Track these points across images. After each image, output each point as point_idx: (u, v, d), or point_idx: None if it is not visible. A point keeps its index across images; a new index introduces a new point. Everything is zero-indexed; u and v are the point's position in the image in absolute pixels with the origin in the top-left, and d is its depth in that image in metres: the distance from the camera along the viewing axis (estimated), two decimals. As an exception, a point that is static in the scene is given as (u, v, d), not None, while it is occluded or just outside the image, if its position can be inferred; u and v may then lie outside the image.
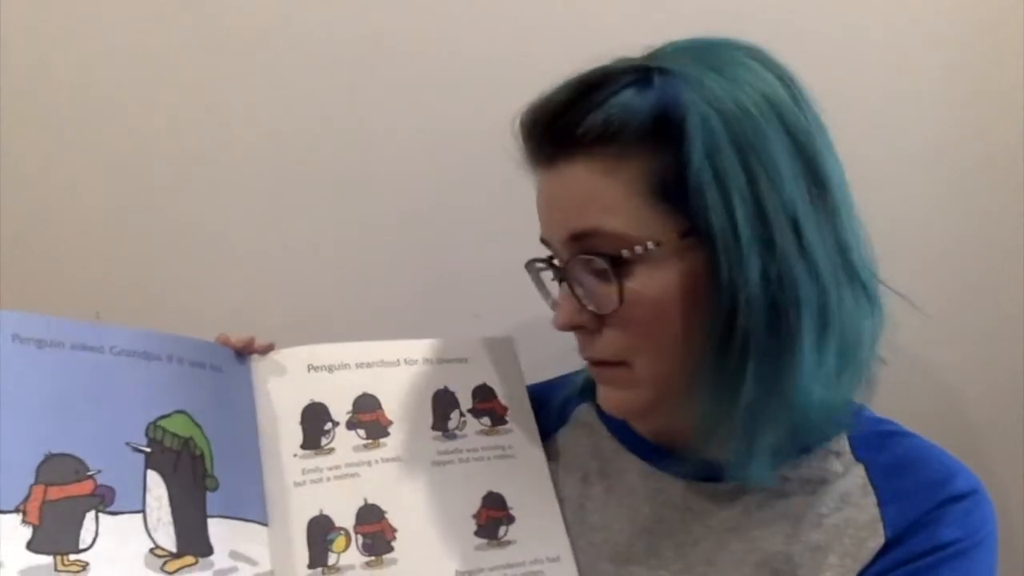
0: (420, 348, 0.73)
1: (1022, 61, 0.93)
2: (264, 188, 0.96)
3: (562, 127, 0.58)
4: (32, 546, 0.52)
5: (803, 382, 0.57)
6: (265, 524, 0.63)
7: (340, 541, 0.63)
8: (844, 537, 0.60)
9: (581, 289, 0.61)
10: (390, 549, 0.64)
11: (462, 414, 0.72)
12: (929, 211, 0.96)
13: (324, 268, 0.98)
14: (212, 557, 0.59)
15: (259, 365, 0.68)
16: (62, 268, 0.96)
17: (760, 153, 0.55)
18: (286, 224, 0.97)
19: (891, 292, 0.63)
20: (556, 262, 0.63)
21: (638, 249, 0.57)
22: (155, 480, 0.59)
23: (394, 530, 0.65)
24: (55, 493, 0.54)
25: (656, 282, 0.58)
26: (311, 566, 0.62)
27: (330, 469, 0.66)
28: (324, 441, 0.67)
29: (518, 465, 0.71)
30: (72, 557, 0.53)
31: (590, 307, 0.60)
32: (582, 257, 0.59)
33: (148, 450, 0.59)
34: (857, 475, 0.62)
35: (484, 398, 0.73)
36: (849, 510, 0.61)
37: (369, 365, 0.71)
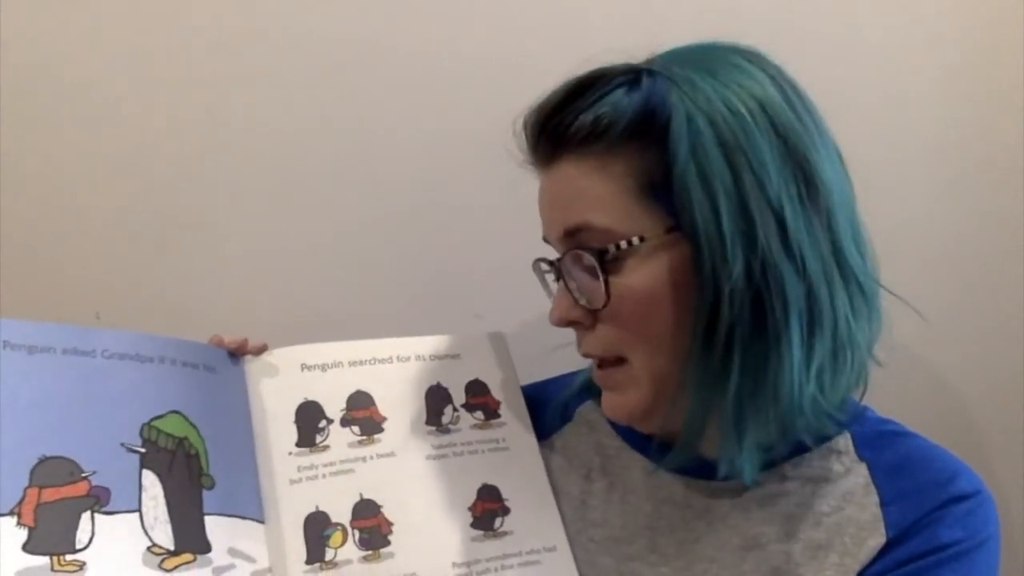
0: (412, 345, 0.74)
1: (1022, 61, 0.92)
2: (264, 188, 0.96)
3: (556, 127, 0.60)
4: (28, 548, 0.53)
5: (790, 377, 0.57)
6: (262, 521, 0.63)
7: (337, 536, 0.64)
8: (845, 536, 0.60)
9: (574, 285, 0.62)
10: (387, 543, 0.64)
11: (455, 409, 0.72)
12: (929, 211, 0.96)
13: (325, 268, 0.98)
14: (210, 554, 0.59)
15: (252, 366, 0.69)
16: (62, 268, 0.96)
17: (746, 152, 0.56)
18: (286, 224, 0.97)
19: (891, 283, 0.63)
20: (555, 260, 0.65)
21: (623, 244, 0.58)
22: (150, 480, 0.59)
23: (390, 524, 0.65)
24: (50, 495, 0.54)
25: (643, 277, 0.59)
26: (309, 562, 0.62)
27: (325, 466, 0.66)
28: (319, 439, 0.67)
29: (512, 457, 0.71)
30: (69, 557, 0.54)
31: (583, 302, 0.61)
32: (573, 252, 0.61)
33: (142, 450, 0.59)
34: (859, 474, 0.62)
35: (477, 393, 0.73)
36: (851, 509, 0.61)
37: (362, 363, 0.71)
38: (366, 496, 0.66)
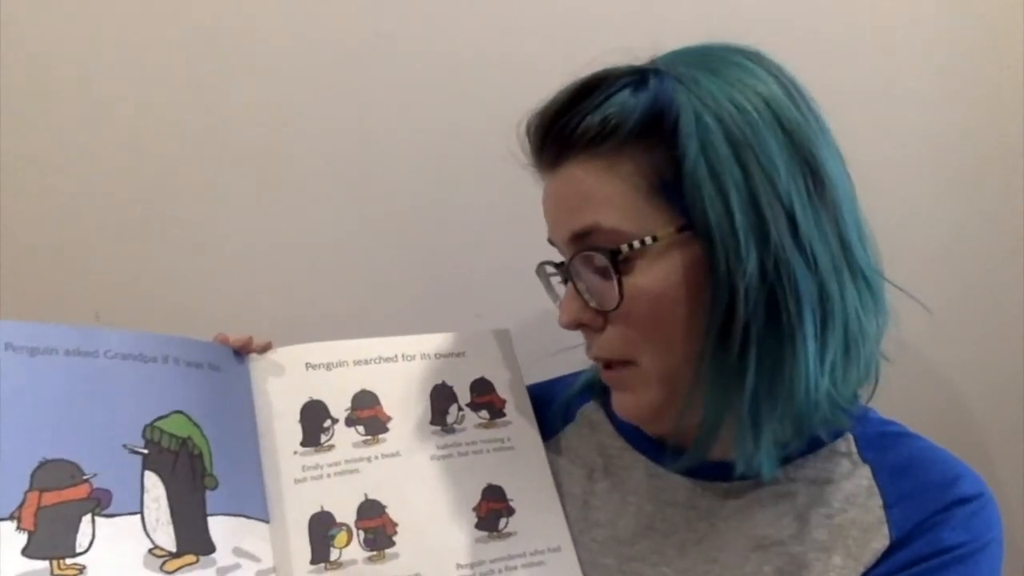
0: (417, 343, 0.73)
1: (1022, 61, 0.93)
2: (264, 188, 0.96)
3: (561, 129, 0.60)
4: (28, 552, 0.52)
5: (806, 372, 0.57)
6: (266, 521, 0.63)
7: (342, 537, 0.63)
8: (848, 538, 0.59)
9: (584, 287, 0.62)
10: (391, 544, 0.64)
11: (460, 408, 0.71)
12: (929, 211, 0.96)
13: (325, 269, 0.98)
14: (215, 555, 0.59)
15: (257, 364, 0.68)
16: (62, 268, 0.96)
17: (754, 148, 0.56)
18: (286, 224, 0.97)
19: (895, 289, 0.63)
20: (562, 261, 0.64)
21: (636, 244, 0.58)
22: (153, 481, 0.59)
23: (395, 525, 0.65)
24: (50, 498, 0.54)
25: (655, 276, 0.58)
26: (313, 562, 0.62)
27: (330, 466, 0.66)
28: (323, 438, 0.67)
29: (517, 457, 0.71)
30: (69, 561, 0.53)
31: (593, 304, 0.61)
32: (583, 254, 0.60)
33: (145, 452, 0.59)
34: (863, 476, 0.62)
35: (482, 392, 0.73)
36: (854, 511, 0.60)
37: (367, 362, 0.71)
38: (371, 496, 0.65)
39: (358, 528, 0.64)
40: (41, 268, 0.95)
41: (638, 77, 0.58)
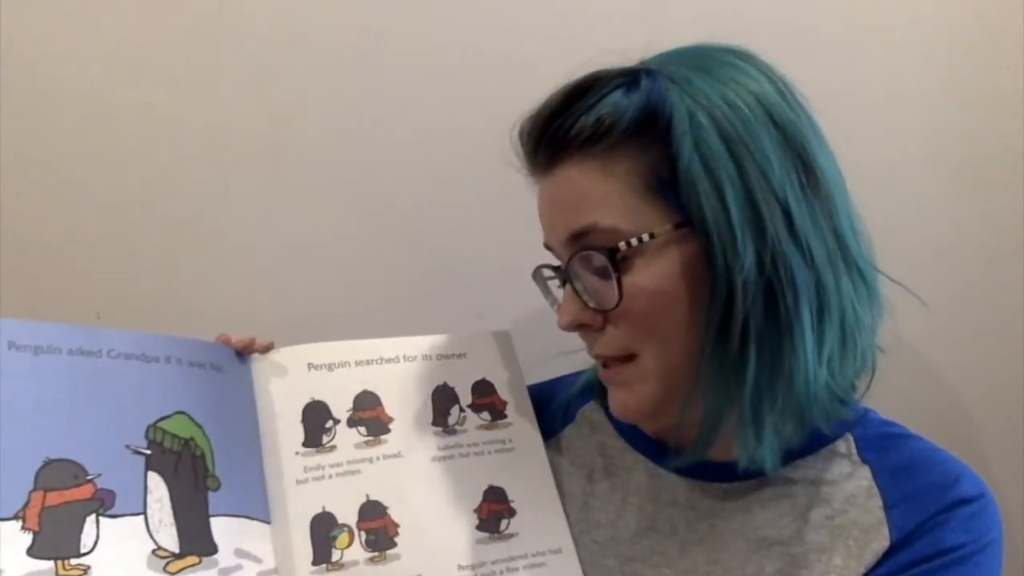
0: (419, 344, 0.73)
1: (1022, 61, 0.93)
2: (265, 188, 0.96)
3: (555, 131, 0.60)
4: (32, 552, 0.52)
5: (805, 364, 0.57)
6: (268, 522, 0.63)
7: (343, 538, 0.64)
8: (849, 539, 0.60)
9: (583, 287, 0.62)
10: (393, 545, 0.64)
11: (462, 409, 0.72)
12: (929, 210, 0.96)
13: (326, 269, 0.98)
14: (217, 556, 0.59)
15: (259, 365, 0.68)
16: (62, 268, 0.96)
17: (748, 144, 0.57)
18: (287, 224, 0.97)
19: (893, 286, 0.64)
20: (559, 265, 0.64)
21: (633, 242, 0.58)
22: (156, 482, 0.59)
23: (397, 526, 0.65)
24: (54, 498, 0.54)
25: (654, 274, 0.59)
26: (315, 563, 0.62)
27: (332, 466, 0.66)
28: (325, 439, 0.67)
29: (518, 458, 0.71)
30: (73, 562, 0.53)
31: (592, 304, 0.61)
32: (581, 254, 0.61)
33: (148, 452, 0.59)
34: (863, 477, 0.62)
35: (483, 393, 0.73)
36: (854, 512, 0.61)
37: (368, 363, 0.71)
38: (372, 497, 0.65)
39: (360, 529, 0.64)
40: (41, 268, 0.95)
41: (630, 78, 0.59)
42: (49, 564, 0.52)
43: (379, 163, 0.96)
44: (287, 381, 0.68)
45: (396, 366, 0.72)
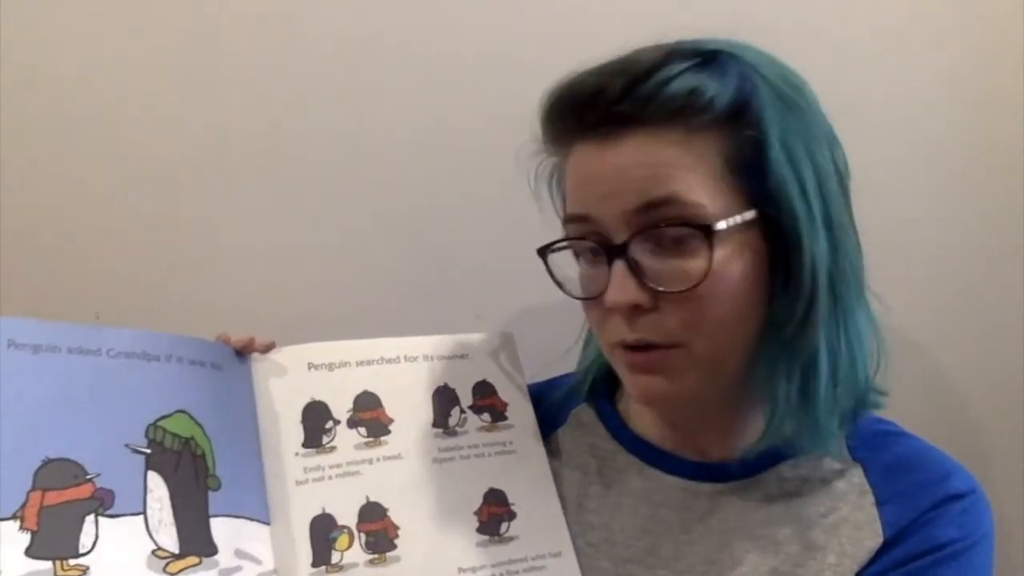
0: (420, 345, 0.73)
1: (1022, 61, 0.93)
2: (265, 188, 0.96)
3: (631, 105, 0.56)
4: (31, 552, 0.52)
5: (861, 360, 0.59)
6: (267, 523, 0.62)
7: (343, 539, 0.63)
8: (842, 537, 0.60)
9: (645, 266, 0.57)
10: (393, 547, 0.64)
11: (462, 411, 0.71)
12: (929, 211, 0.96)
13: (325, 268, 0.98)
14: (217, 556, 0.59)
15: (259, 364, 0.68)
16: (62, 268, 0.96)
17: (813, 143, 0.58)
18: (287, 224, 0.97)
19: (892, 287, 0.64)
20: (599, 240, 0.59)
21: (724, 223, 0.56)
22: (156, 481, 0.58)
23: (397, 528, 0.65)
24: (53, 498, 0.54)
25: (734, 260, 0.57)
26: (315, 565, 0.62)
27: (332, 467, 0.66)
28: (325, 439, 0.67)
29: (519, 461, 0.71)
30: (72, 562, 0.53)
31: (655, 284, 0.57)
32: (657, 230, 0.56)
33: (148, 451, 0.59)
34: (855, 475, 0.62)
35: (484, 394, 0.73)
36: (847, 510, 0.61)
37: (369, 363, 0.70)
38: (372, 499, 0.65)
39: (359, 531, 0.64)
40: (41, 268, 0.95)
41: (705, 58, 0.57)
42: (48, 564, 0.52)
43: (379, 163, 0.96)
44: (287, 381, 0.68)
45: (397, 367, 0.71)
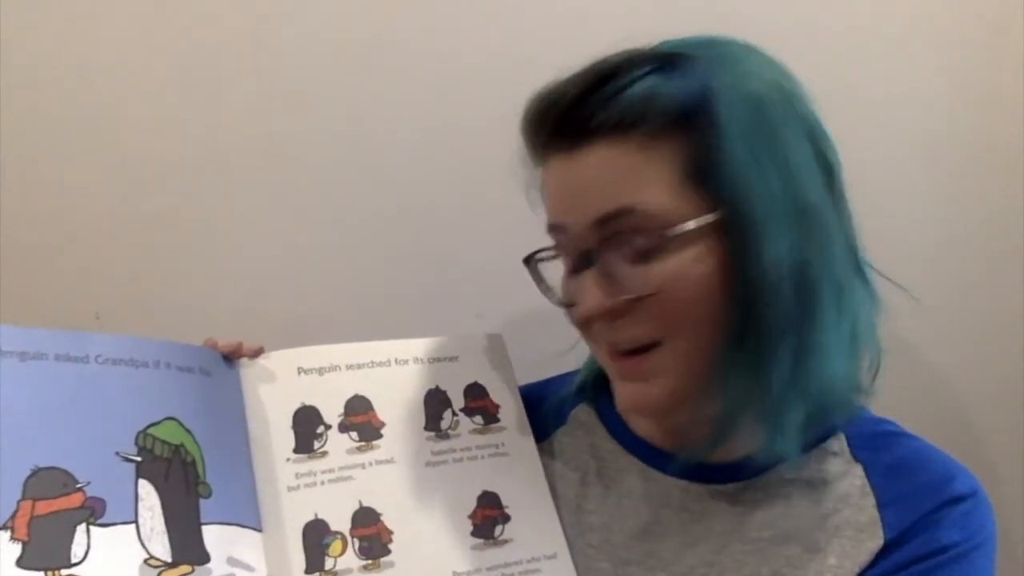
0: (410, 347, 0.73)
1: (1022, 61, 0.92)
2: (264, 189, 0.96)
3: (587, 113, 0.57)
4: (22, 563, 0.51)
5: (828, 362, 0.58)
6: (260, 530, 0.62)
7: (336, 545, 0.63)
8: (843, 538, 0.60)
9: (612, 272, 0.59)
10: (387, 552, 0.64)
11: (454, 413, 0.71)
12: (929, 210, 0.96)
13: (325, 269, 0.98)
14: (209, 564, 0.58)
15: (248, 370, 0.68)
16: (62, 269, 0.96)
17: (783, 139, 0.56)
18: (286, 225, 0.97)
19: (893, 287, 0.64)
20: (572, 249, 0.61)
21: (678, 229, 0.56)
22: (147, 489, 0.58)
23: (390, 532, 0.64)
24: (43, 508, 0.53)
25: (696, 263, 0.57)
26: (308, 571, 0.62)
27: (324, 473, 0.65)
28: (317, 444, 0.66)
29: (512, 463, 0.70)
30: (64, 572, 0.53)
31: (622, 291, 0.58)
32: (619, 238, 0.58)
33: (138, 459, 0.58)
34: (856, 476, 0.62)
35: (476, 396, 0.72)
36: (848, 511, 0.60)
37: (359, 366, 0.70)
38: (365, 504, 0.65)
39: (353, 536, 0.63)
40: (41, 268, 0.95)
41: (665, 61, 0.57)
42: (40, 575, 0.52)
43: (378, 163, 0.96)
44: (277, 386, 0.68)
45: (387, 370, 0.71)
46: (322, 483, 0.65)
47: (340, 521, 0.64)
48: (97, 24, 0.92)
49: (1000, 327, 0.95)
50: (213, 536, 0.60)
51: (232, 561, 0.60)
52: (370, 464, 0.67)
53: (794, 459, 0.60)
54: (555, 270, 0.65)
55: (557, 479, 0.71)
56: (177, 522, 0.58)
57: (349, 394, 0.69)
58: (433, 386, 0.71)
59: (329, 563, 0.62)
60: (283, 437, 0.66)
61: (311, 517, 0.63)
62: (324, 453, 0.66)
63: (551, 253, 0.65)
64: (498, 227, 0.93)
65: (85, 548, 0.54)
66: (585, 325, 0.63)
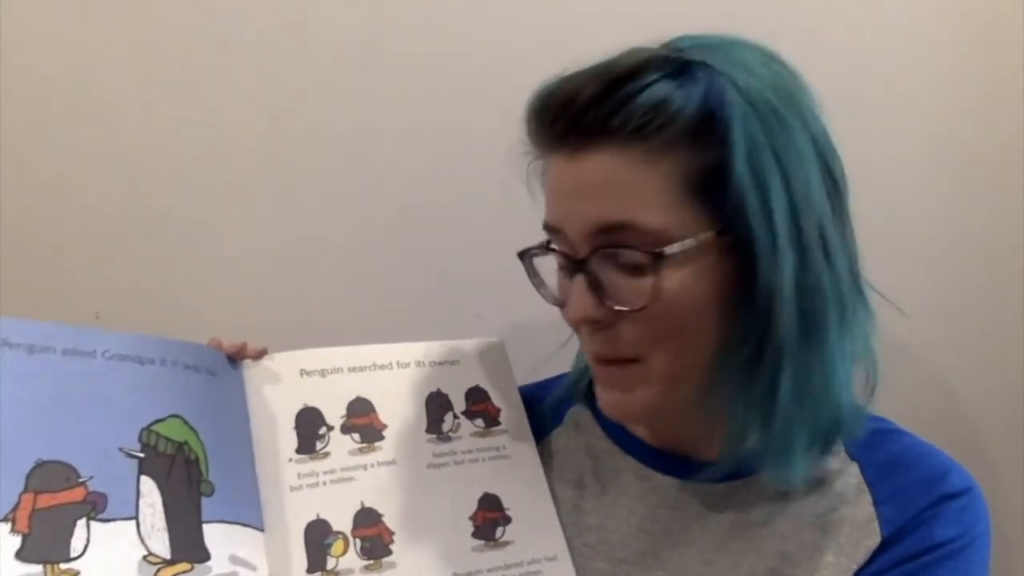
0: (412, 351, 0.73)
1: (1022, 61, 0.92)
2: (264, 189, 0.96)
3: (595, 117, 0.55)
4: (21, 555, 0.51)
5: (833, 384, 0.57)
6: (261, 529, 0.62)
7: (338, 545, 0.63)
8: (840, 536, 0.60)
9: (603, 283, 0.58)
10: (389, 552, 0.64)
11: (456, 416, 0.71)
12: (929, 210, 0.96)
13: (325, 269, 0.98)
14: (210, 562, 0.58)
15: (251, 371, 0.68)
16: (62, 269, 0.96)
17: (792, 156, 0.55)
18: (287, 225, 0.97)
19: (888, 281, 0.63)
20: (566, 252, 0.60)
21: (676, 247, 0.55)
22: (149, 486, 0.58)
23: (392, 533, 0.64)
24: (45, 501, 0.53)
25: (690, 281, 0.56)
26: (310, 571, 0.61)
27: (326, 473, 0.65)
28: (319, 445, 0.66)
29: (513, 466, 0.70)
30: (63, 566, 0.53)
31: (611, 302, 0.58)
32: (613, 251, 0.57)
33: (141, 455, 0.58)
34: (852, 474, 0.62)
35: (477, 400, 0.73)
36: (845, 509, 0.61)
37: (361, 369, 0.70)
38: (367, 504, 0.65)
39: (355, 537, 0.63)
40: (41, 268, 0.95)
41: (678, 67, 0.55)
42: (38, 568, 0.52)
43: (378, 163, 0.96)
44: (280, 387, 0.68)
45: (389, 373, 0.71)
46: (324, 483, 0.65)
47: (342, 521, 0.64)
48: (97, 24, 0.93)
49: (1000, 327, 0.95)
50: (215, 534, 0.59)
51: (234, 560, 0.59)
52: (372, 465, 0.67)
53: (800, 483, 0.60)
54: (551, 264, 0.64)
55: (554, 479, 0.71)
56: (178, 520, 0.58)
57: (351, 396, 0.69)
58: (434, 389, 0.72)
59: (331, 563, 0.62)
60: (285, 438, 0.66)
61: (313, 517, 0.63)
62: (326, 454, 0.66)
63: (540, 251, 0.64)
64: (498, 227, 0.93)
65: (84, 542, 0.54)
66: (574, 327, 0.62)
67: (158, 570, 0.56)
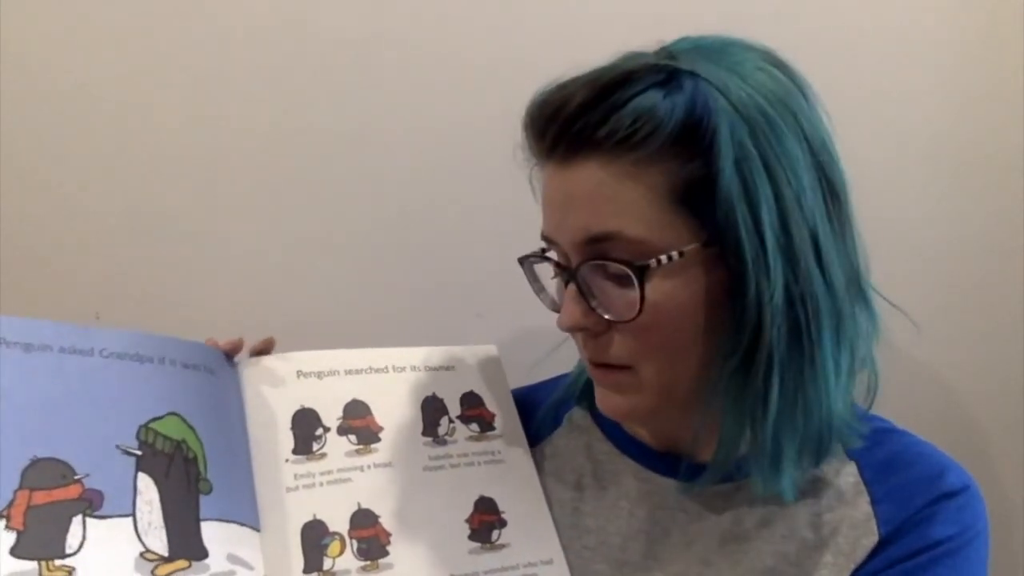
0: (408, 356, 0.73)
1: (1022, 61, 0.92)
2: (265, 189, 0.96)
3: (583, 127, 0.55)
4: (16, 552, 0.51)
5: (826, 395, 0.57)
6: (258, 529, 0.62)
7: (335, 546, 0.63)
8: (838, 536, 0.60)
9: (592, 292, 0.59)
10: (385, 553, 0.64)
11: (451, 420, 0.71)
12: (929, 211, 0.96)
13: (325, 269, 0.98)
14: (207, 560, 0.58)
15: (249, 371, 0.68)
16: (62, 268, 0.96)
17: (783, 165, 0.55)
18: (287, 225, 0.97)
19: (892, 287, 0.63)
20: (560, 260, 0.61)
21: (662, 258, 0.55)
22: (146, 483, 0.58)
23: (389, 534, 0.64)
24: (40, 498, 0.53)
25: (677, 292, 0.56)
26: (306, 571, 0.61)
27: (322, 474, 0.65)
28: (316, 446, 0.66)
29: (508, 470, 0.71)
30: (58, 563, 0.53)
31: (600, 312, 0.58)
32: (599, 262, 0.57)
33: (139, 453, 0.58)
34: (849, 473, 0.62)
35: (472, 405, 0.73)
36: (843, 508, 0.61)
37: (358, 372, 0.71)
38: (364, 505, 0.65)
39: (351, 537, 0.63)
40: (41, 268, 0.95)
41: (666, 76, 0.55)
42: (33, 564, 0.52)
43: (378, 163, 0.96)
44: (276, 388, 0.68)
45: (385, 376, 0.71)
46: (321, 484, 0.65)
47: (339, 522, 0.64)
48: (97, 24, 0.93)
49: (1000, 327, 0.95)
50: (212, 532, 0.59)
51: (232, 558, 0.60)
52: (368, 467, 0.67)
53: (791, 496, 0.60)
54: (551, 269, 0.65)
55: (553, 482, 0.71)
56: (176, 517, 0.58)
57: (348, 398, 0.69)
58: (430, 393, 0.72)
59: (327, 563, 0.62)
60: (282, 438, 0.66)
61: (310, 518, 0.63)
62: (323, 455, 0.66)
63: (537, 258, 0.65)
64: (498, 227, 0.93)
65: (80, 539, 0.54)
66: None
67: (155, 567, 0.56)
